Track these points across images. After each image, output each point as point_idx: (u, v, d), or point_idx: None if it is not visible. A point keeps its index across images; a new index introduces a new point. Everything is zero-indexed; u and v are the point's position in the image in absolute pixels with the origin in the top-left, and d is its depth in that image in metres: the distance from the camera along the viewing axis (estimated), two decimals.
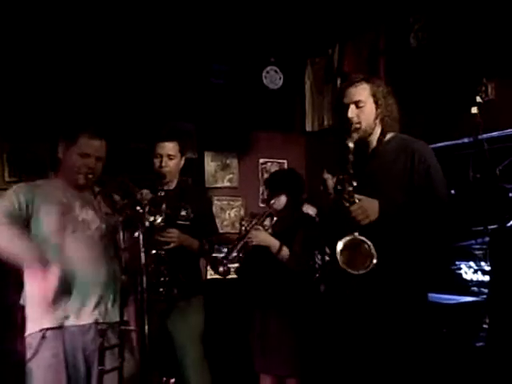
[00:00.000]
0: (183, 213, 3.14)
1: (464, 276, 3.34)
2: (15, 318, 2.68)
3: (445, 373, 2.77)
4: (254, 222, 3.01)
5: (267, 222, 3.21)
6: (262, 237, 2.95)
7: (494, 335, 2.68)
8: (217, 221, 3.70)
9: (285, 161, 5.06)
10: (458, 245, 3.44)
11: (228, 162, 4.90)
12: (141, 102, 4.33)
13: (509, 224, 2.92)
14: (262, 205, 4.82)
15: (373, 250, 2.08)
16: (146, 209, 2.21)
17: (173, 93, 4.50)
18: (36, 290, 2.28)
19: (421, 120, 3.66)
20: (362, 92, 2.32)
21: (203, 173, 4.77)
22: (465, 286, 3.31)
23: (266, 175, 4.98)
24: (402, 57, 4.00)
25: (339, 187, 2.19)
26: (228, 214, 4.80)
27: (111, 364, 2.19)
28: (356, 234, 2.12)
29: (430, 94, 3.76)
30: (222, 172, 4.88)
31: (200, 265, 3.47)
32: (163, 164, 3.09)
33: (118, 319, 2.21)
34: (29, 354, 2.27)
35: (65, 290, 2.27)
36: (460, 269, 3.38)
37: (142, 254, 1.95)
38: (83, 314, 2.32)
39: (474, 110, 3.23)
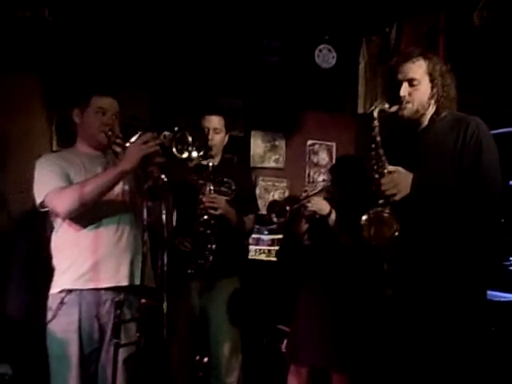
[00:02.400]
0: (225, 188, 3.07)
1: None
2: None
3: (493, 373, 2.61)
4: (317, 190, 2.97)
5: None
6: (322, 204, 2.85)
7: None
8: (260, 202, 3.63)
9: (334, 143, 4.89)
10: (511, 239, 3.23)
11: (275, 142, 4.78)
12: (191, 76, 4.26)
13: None
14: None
15: (394, 219, 2.01)
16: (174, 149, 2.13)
17: (223, 69, 4.40)
18: (70, 242, 2.31)
19: (483, 104, 3.42)
20: (418, 69, 2.19)
21: (249, 152, 4.67)
22: None
23: (313, 157, 4.86)
24: (464, 36, 3.74)
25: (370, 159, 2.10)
26: (272, 195, 4.69)
27: (126, 338, 2.19)
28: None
29: (493, 76, 3.51)
30: (269, 152, 4.77)
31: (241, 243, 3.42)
32: (209, 137, 3.02)
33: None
34: (49, 316, 2.33)
35: (94, 248, 2.29)
36: None
37: (165, 229, 1.86)
38: (106, 276, 2.32)
39: None
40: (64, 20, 3.85)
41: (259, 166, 4.69)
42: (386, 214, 2.06)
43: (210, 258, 2.84)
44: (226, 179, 3.07)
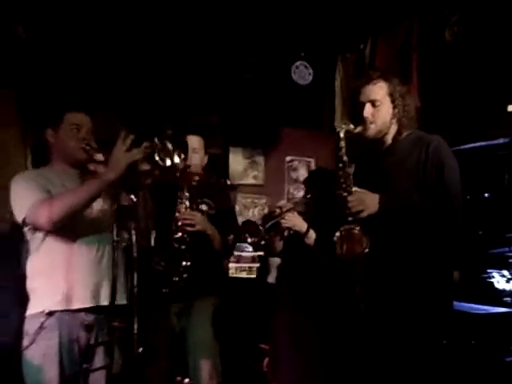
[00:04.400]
0: (204, 207, 3.05)
1: (496, 285, 3.15)
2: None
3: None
4: (290, 206, 2.96)
5: None
6: (297, 221, 2.86)
7: None
8: (240, 219, 3.60)
9: (312, 159, 4.92)
10: (490, 252, 3.25)
11: (254, 158, 4.80)
12: (167, 94, 4.27)
13: None
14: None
15: (364, 235, 2.09)
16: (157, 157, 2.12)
17: (200, 86, 4.41)
18: (49, 263, 2.25)
19: (454, 118, 3.47)
20: (379, 91, 2.24)
21: (228, 169, 4.67)
22: (497, 296, 3.11)
23: (292, 173, 4.87)
24: (436, 51, 3.81)
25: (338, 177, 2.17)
26: (252, 212, 4.69)
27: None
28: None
29: (464, 90, 3.57)
30: (248, 169, 4.78)
31: (223, 263, 3.39)
32: (188, 158, 3.00)
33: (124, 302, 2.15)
34: (26, 341, 2.22)
35: (73, 269, 2.24)
36: (492, 277, 3.18)
37: (134, 249, 1.82)
38: (86, 296, 2.26)
39: (511, 108, 3.04)
40: (38, 38, 3.84)
41: (238, 182, 4.69)
42: (356, 231, 2.11)
43: (185, 275, 2.81)
44: (205, 199, 3.05)
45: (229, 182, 4.72)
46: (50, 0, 3.79)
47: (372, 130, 2.22)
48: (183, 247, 2.81)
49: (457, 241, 2.24)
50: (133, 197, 1.87)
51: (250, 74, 4.68)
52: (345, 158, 2.18)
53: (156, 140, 2.17)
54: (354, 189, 2.14)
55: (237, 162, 4.76)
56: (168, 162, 2.17)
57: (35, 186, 2.25)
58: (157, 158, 2.14)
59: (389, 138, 2.27)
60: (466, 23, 3.61)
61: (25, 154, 3.87)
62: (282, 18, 4.47)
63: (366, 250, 2.08)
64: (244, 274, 4.57)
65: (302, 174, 4.92)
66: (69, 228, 2.23)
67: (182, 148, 2.25)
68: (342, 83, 4.84)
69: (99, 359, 2.20)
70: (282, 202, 3.45)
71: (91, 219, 2.32)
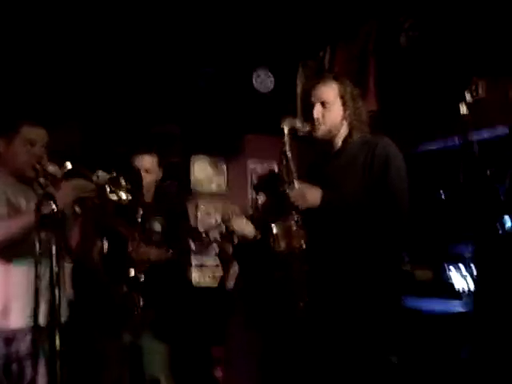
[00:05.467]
0: (157, 227, 3.03)
1: (453, 281, 3.19)
2: None
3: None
4: (237, 212, 3.01)
5: None
6: (245, 226, 2.84)
7: (479, 347, 2.52)
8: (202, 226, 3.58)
9: (275, 165, 4.91)
10: (448, 250, 3.29)
11: (216, 165, 4.78)
12: (125, 104, 4.22)
13: (498, 228, 2.77)
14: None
15: (301, 230, 2.11)
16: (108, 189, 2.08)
17: (159, 95, 4.38)
18: None
19: (410, 121, 3.53)
20: (330, 91, 2.26)
21: (189, 177, 4.64)
22: (455, 293, 3.15)
23: (255, 179, 4.87)
24: (392, 56, 3.87)
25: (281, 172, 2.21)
26: (215, 220, 4.66)
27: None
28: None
29: (419, 94, 3.63)
30: (210, 176, 4.76)
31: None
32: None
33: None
34: None
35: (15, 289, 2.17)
36: (450, 275, 3.22)
37: (54, 260, 1.76)
38: (24, 316, 2.17)
39: (464, 109, 3.09)
40: None
41: (201, 190, 4.66)
42: (293, 226, 2.13)
43: (138, 310, 2.79)
44: (158, 215, 3.03)
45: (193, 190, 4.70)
46: (4, 7, 3.75)
47: (321, 130, 2.23)
48: (137, 293, 2.80)
49: (403, 236, 2.25)
50: (54, 205, 1.79)
51: (211, 82, 4.68)
52: (288, 154, 2.20)
53: (107, 176, 2.17)
54: (296, 183, 2.16)
55: (200, 170, 4.74)
56: (115, 197, 2.18)
57: None
58: (107, 190, 2.14)
59: (339, 140, 2.28)
60: (419, 28, 3.69)
61: None
62: (243, 26, 4.50)
63: (303, 245, 2.09)
64: (208, 281, 4.54)
65: None
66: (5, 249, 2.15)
67: (134, 185, 2.23)
68: (303, 90, 4.87)
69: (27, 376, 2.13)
70: (231, 207, 3.45)
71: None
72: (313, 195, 2.12)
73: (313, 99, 2.26)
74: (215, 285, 4.47)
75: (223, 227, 2.83)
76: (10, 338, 2.18)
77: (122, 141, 3.99)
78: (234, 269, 3.17)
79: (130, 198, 2.21)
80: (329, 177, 2.23)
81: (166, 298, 2.95)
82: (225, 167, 4.79)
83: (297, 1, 4.25)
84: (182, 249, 3.12)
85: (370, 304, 2.08)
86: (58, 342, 1.68)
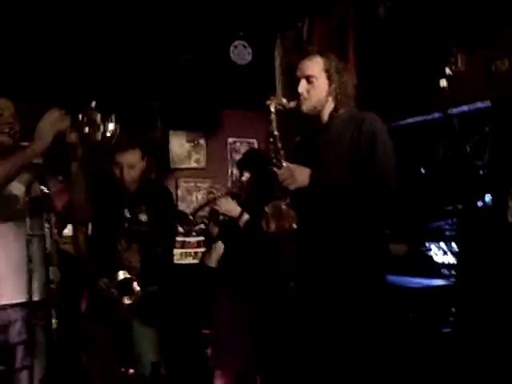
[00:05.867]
0: (143, 218, 2.98)
1: (434, 258, 3.20)
2: None
3: (410, 359, 2.66)
4: (222, 191, 2.94)
5: None
6: (230, 206, 2.81)
7: (461, 321, 2.55)
8: (183, 205, 3.53)
9: (254, 140, 4.88)
10: (428, 225, 3.30)
11: (196, 141, 4.72)
12: (103, 80, 4.11)
13: (478, 203, 2.78)
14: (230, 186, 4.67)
15: (292, 211, 2.09)
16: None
17: (137, 69, 4.27)
18: None
19: (389, 94, 3.49)
20: (315, 66, 2.23)
21: (169, 153, 4.57)
22: (435, 269, 3.17)
23: (234, 155, 4.82)
24: (371, 28, 3.80)
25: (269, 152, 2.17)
26: (195, 197, 4.63)
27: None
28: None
29: (398, 66, 3.58)
30: (190, 152, 4.70)
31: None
32: (124, 173, 2.91)
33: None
34: None
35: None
36: (430, 250, 3.23)
37: (48, 241, 1.73)
38: (14, 293, 2.15)
39: (443, 82, 3.05)
40: None
41: (180, 167, 4.61)
42: (284, 207, 2.11)
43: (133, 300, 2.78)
44: (143, 207, 2.98)
45: (172, 167, 4.64)
46: None
47: (306, 105, 2.20)
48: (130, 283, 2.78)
49: (390, 214, 2.25)
50: (44, 188, 1.75)
51: (189, 55, 4.56)
52: (275, 133, 2.17)
53: (83, 111, 2.09)
54: (285, 163, 2.13)
55: (178, 145, 4.68)
56: (98, 137, 2.08)
57: None
58: (86, 131, 2.06)
59: (325, 115, 2.25)
60: None
61: None
62: None
63: (294, 226, 2.08)
64: (190, 260, 4.52)
65: None
66: None
67: (111, 120, 2.14)
68: (282, 62, 4.79)
69: (20, 359, 2.10)
70: (216, 187, 3.41)
71: (14, 211, 2.20)
72: (301, 175, 2.09)
73: (298, 74, 2.23)
74: (196, 261, 4.49)
75: (208, 208, 2.80)
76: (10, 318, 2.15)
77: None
78: (219, 248, 3.15)
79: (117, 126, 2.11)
80: (316, 153, 2.21)
81: (152, 282, 2.94)
82: (204, 142, 4.72)
83: None
84: (169, 238, 3.11)
85: (357, 281, 2.09)
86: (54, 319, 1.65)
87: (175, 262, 4.40)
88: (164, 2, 4.21)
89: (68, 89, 3.91)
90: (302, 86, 2.19)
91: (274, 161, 2.14)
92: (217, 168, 4.73)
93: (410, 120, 3.36)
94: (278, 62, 4.82)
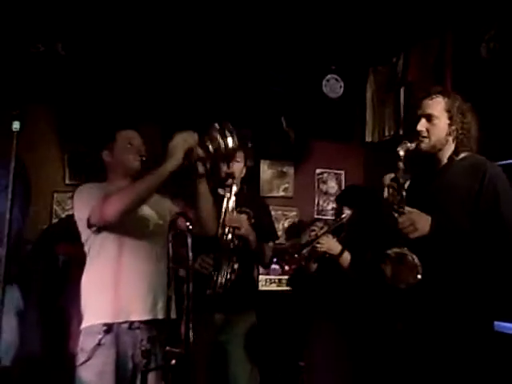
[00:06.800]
0: (246, 210, 3.09)
1: None
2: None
3: None
4: (325, 229, 2.94)
5: None
6: (332, 244, 2.84)
7: None
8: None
9: (342, 172, 4.93)
10: None
11: (284, 170, 4.82)
12: (200, 107, 4.31)
13: None
14: (316, 216, 4.72)
15: (417, 262, 2.02)
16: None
17: (233, 100, 4.45)
18: (104, 276, 2.26)
19: (491, 135, 3.44)
20: (436, 106, 2.24)
21: (258, 181, 4.70)
22: None
23: (322, 186, 4.88)
24: (471, 67, 3.79)
25: (390, 198, 2.15)
26: (282, 225, 4.71)
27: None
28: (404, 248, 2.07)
29: (501, 107, 3.54)
30: (278, 181, 4.81)
31: (254, 275, 3.42)
32: (230, 166, 3.06)
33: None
34: (81, 358, 2.21)
35: (129, 282, 2.26)
36: None
37: (188, 263, 1.84)
38: (142, 311, 2.26)
39: None
40: (77, 54, 3.93)
41: (268, 194, 4.72)
42: (409, 258, 2.06)
43: (233, 276, 2.84)
44: (243, 208, 3.09)
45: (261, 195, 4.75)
46: (88, 17, 3.88)
47: (426, 143, 2.22)
48: (232, 247, 2.85)
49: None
50: (188, 224, 1.89)
51: (282, 87, 4.71)
52: (401, 180, 2.14)
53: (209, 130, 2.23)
54: (407, 209, 2.10)
55: (267, 174, 4.79)
56: (222, 146, 2.21)
57: (97, 190, 2.31)
58: (210, 146, 2.19)
59: (444, 157, 2.25)
60: (501, 40, 3.59)
61: (63, 170, 3.97)
62: (313, 32, 4.50)
63: (419, 277, 2.02)
64: (274, 287, 4.59)
65: (332, 186, 4.94)
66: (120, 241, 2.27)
67: (231, 134, 2.24)
68: (374, 96, 4.85)
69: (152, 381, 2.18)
70: (317, 224, 3.44)
71: (141, 230, 2.35)
72: (423, 223, 2.07)
73: (418, 112, 2.25)
74: (280, 288, 4.55)
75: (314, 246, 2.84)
76: (130, 337, 2.24)
77: None
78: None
79: (236, 141, 2.21)
80: (432, 195, 2.20)
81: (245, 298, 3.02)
82: (292, 172, 4.82)
83: (369, 7, 4.22)
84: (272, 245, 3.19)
85: (467, 328, 2.07)
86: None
87: (260, 288, 4.49)
88: (262, 37, 4.39)
89: (176, 118, 4.13)
90: (422, 124, 2.22)
91: (395, 207, 2.11)
92: (304, 197, 4.81)
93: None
94: (369, 95, 4.89)
